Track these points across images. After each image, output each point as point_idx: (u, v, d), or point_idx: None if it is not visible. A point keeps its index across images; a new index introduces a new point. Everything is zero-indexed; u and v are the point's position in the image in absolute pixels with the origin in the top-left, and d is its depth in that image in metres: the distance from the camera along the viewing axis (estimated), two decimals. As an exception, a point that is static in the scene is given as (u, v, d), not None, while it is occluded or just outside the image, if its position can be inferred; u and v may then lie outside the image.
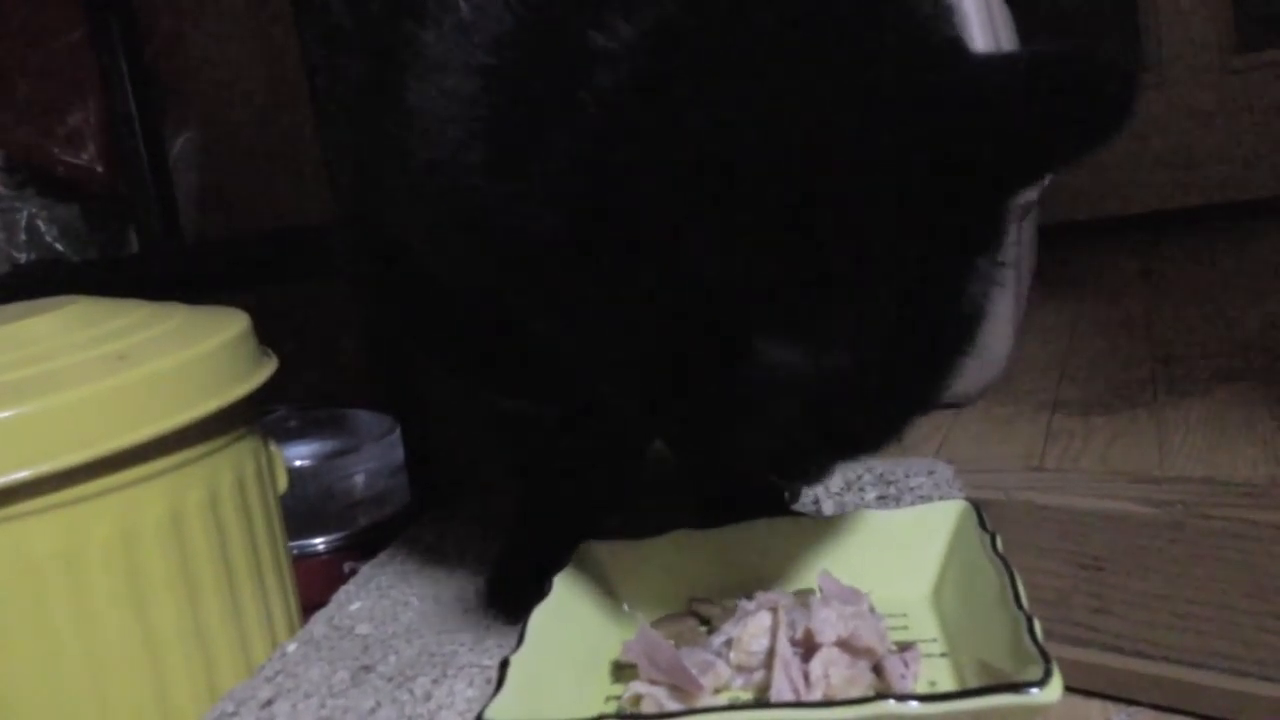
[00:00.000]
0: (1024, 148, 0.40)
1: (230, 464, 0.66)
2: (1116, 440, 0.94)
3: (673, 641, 0.52)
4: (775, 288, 0.41)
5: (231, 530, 0.66)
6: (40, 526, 0.57)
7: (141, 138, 1.16)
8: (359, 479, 1.01)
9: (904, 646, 0.50)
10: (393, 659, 0.63)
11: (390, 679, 0.61)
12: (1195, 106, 2.32)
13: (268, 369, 0.69)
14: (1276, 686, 0.49)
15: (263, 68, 1.24)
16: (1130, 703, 0.52)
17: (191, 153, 1.29)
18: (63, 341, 0.62)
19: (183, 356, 0.62)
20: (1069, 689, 0.53)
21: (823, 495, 0.79)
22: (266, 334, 0.74)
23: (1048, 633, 0.55)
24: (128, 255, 1.27)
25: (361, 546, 0.90)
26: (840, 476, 0.82)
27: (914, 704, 0.39)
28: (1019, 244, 1.10)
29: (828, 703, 0.42)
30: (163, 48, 1.26)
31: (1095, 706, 0.53)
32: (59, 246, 1.24)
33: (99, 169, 1.26)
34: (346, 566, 0.87)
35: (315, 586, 0.79)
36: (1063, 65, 0.39)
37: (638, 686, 0.48)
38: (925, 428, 1.07)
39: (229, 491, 0.66)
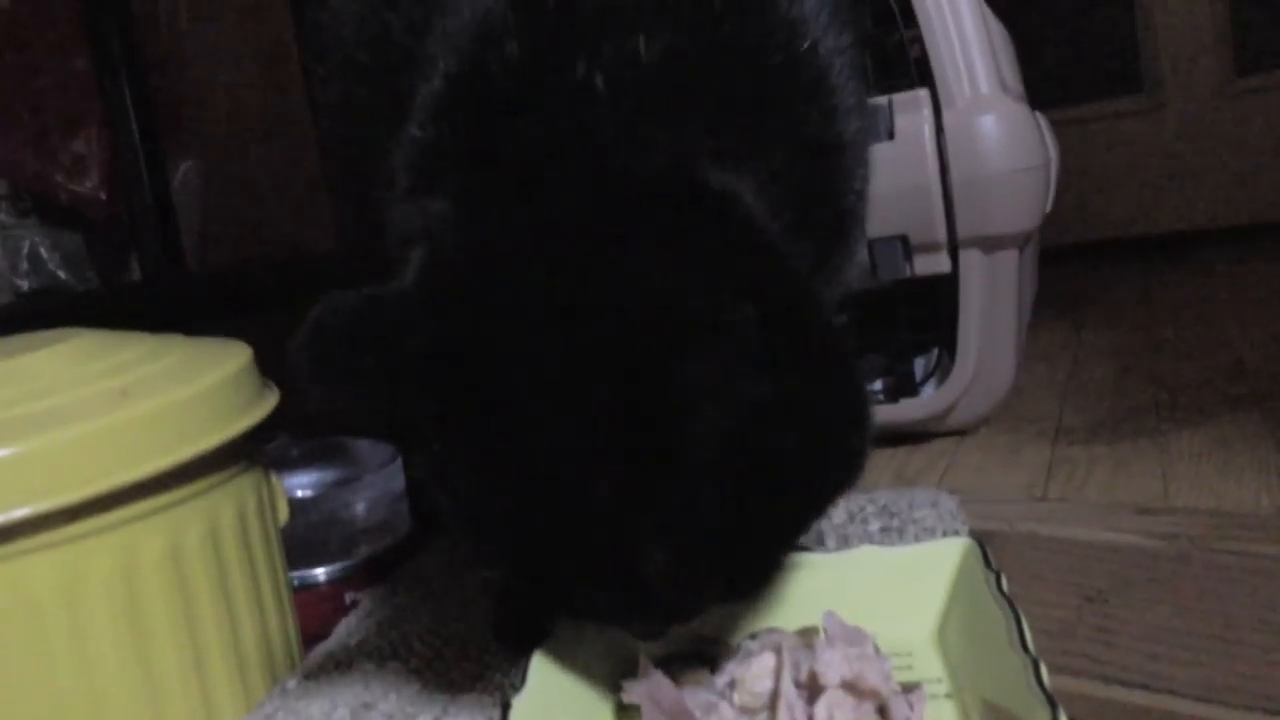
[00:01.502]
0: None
1: (232, 498, 0.66)
2: (1120, 469, 0.94)
3: (676, 682, 0.51)
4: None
5: (232, 564, 0.65)
6: (40, 563, 0.56)
7: (144, 165, 1.16)
8: (360, 508, 1.01)
9: (909, 688, 0.49)
10: (394, 696, 0.63)
11: (390, 716, 0.60)
12: (1195, 130, 2.33)
13: (269, 403, 0.69)
14: (1283, 720, 0.49)
15: (266, 96, 1.24)
16: (1135, 736, 0.52)
17: (194, 181, 1.29)
18: (63, 377, 0.62)
19: (184, 392, 0.62)
20: (1073, 722, 0.54)
21: (825, 528, 0.78)
22: (269, 362, 0.74)
23: (1053, 665, 0.55)
24: (130, 283, 1.27)
25: (363, 576, 0.89)
26: (843, 508, 0.82)
27: (920, 750, 0.38)
28: (1020, 271, 1.10)
29: (832, 747, 0.42)
30: (166, 76, 1.27)
31: (1099, 740, 0.52)
32: (61, 274, 1.24)
33: (102, 197, 1.26)
34: (348, 597, 0.86)
35: (316, 617, 0.79)
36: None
37: (640, 728, 0.48)
38: (928, 457, 1.07)
39: (230, 526, 0.66)
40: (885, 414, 1.09)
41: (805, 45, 0.50)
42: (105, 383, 0.61)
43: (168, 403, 0.61)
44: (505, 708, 0.47)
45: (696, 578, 0.45)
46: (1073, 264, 2.20)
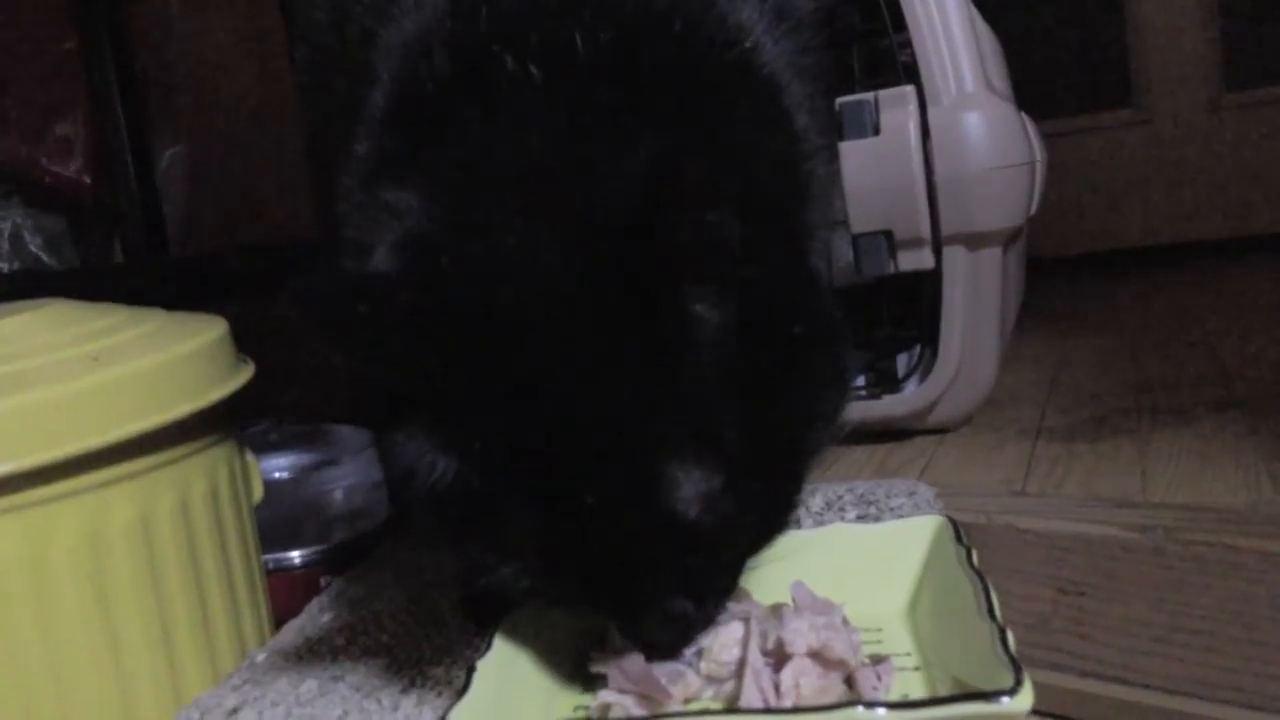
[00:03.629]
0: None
1: (203, 470, 0.66)
2: (1099, 467, 0.94)
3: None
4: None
5: (202, 538, 0.65)
6: (4, 527, 0.56)
7: (129, 150, 1.16)
8: (338, 493, 1.00)
9: (877, 660, 0.49)
10: (362, 669, 0.62)
11: (359, 689, 0.60)
12: (1183, 143, 2.34)
13: (244, 375, 0.69)
14: (1258, 714, 0.49)
15: (253, 82, 1.24)
16: (1110, 729, 0.52)
17: (180, 165, 1.28)
18: (35, 342, 0.62)
19: (156, 359, 0.61)
20: (1049, 715, 0.53)
21: (803, 514, 0.78)
22: (251, 349, 0.73)
23: (1028, 658, 0.54)
24: (112, 266, 1.27)
25: (339, 561, 0.88)
26: (821, 496, 0.82)
27: (882, 711, 0.38)
28: (1005, 270, 1.10)
29: (795, 710, 0.41)
30: (153, 61, 1.27)
31: (1074, 733, 0.52)
32: (44, 257, 1.24)
33: (86, 180, 1.25)
34: (323, 581, 0.86)
35: (291, 600, 0.78)
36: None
37: (606, 695, 0.48)
38: (909, 453, 1.06)
39: (201, 498, 0.65)
40: (867, 410, 1.09)
41: (746, 46, 0.51)
42: (77, 348, 0.61)
43: (139, 369, 0.60)
44: (470, 671, 0.46)
45: (726, 507, 0.44)
46: (1060, 275, 2.20)
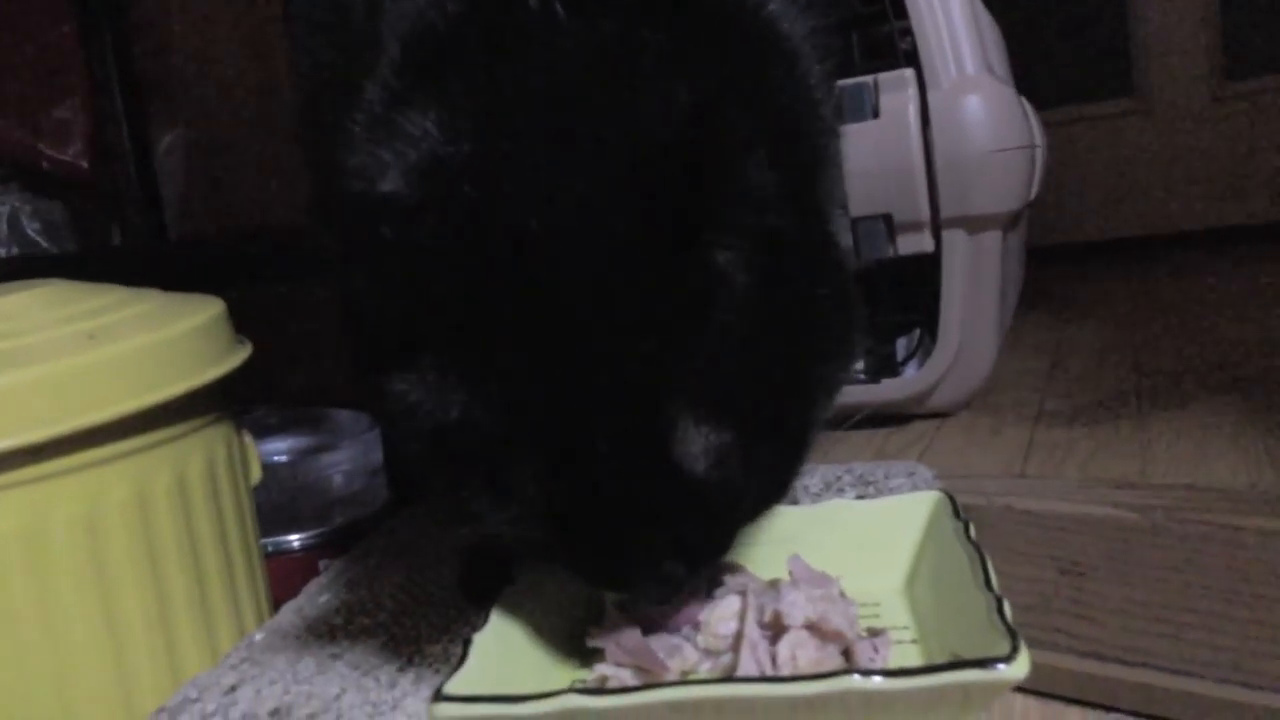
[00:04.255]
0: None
1: (200, 449, 0.66)
2: (1099, 450, 0.94)
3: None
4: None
5: (199, 516, 0.65)
6: (1, 504, 0.56)
7: (128, 134, 1.15)
8: (337, 477, 1.00)
9: (875, 632, 0.49)
10: (360, 648, 0.62)
11: (356, 667, 0.60)
12: (1183, 133, 2.34)
13: (241, 355, 0.69)
14: (1258, 693, 0.49)
15: (252, 65, 1.24)
16: (1110, 709, 0.52)
17: (179, 149, 1.28)
18: (32, 320, 0.62)
19: (153, 338, 0.61)
20: (1050, 695, 0.53)
21: (801, 495, 0.78)
22: (250, 333, 0.73)
23: (1029, 639, 0.54)
24: (110, 249, 1.26)
25: (338, 544, 0.88)
26: (819, 477, 0.82)
27: (877, 679, 0.38)
28: (1005, 254, 1.10)
29: (790, 678, 0.41)
30: (152, 45, 1.26)
31: (1075, 713, 0.52)
32: (42, 241, 1.23)
33: (84, 164, 1.25)
34: (322, 564, 0.86)
35: (290, 583, 0.78)
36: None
37: (603, 668, 0.48)
38: (908, 437, 1.06)
39: (198, 477, 0.65)
40: (866, 394, 1.09)
41: (772, 9, 0.51)
42: (73, 326, 0.61)
43: (135, 347, 0.60)
44: (466, 644, 0.46)
45: (733, 466, 0.44)
46: (1060, 263, 2.20)
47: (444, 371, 0.43)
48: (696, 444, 0.42)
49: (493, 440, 0.43)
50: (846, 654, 0.47)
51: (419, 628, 0.64)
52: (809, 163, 0.52)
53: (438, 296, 0.42)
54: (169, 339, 0.62)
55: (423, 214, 0.41)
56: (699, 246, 0.41)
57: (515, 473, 0.43)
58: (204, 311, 0.67)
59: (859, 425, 1.11)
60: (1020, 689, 0.53)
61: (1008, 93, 1.07)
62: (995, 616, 0.42)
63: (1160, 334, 1.46)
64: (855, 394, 1.09)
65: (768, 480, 0.47)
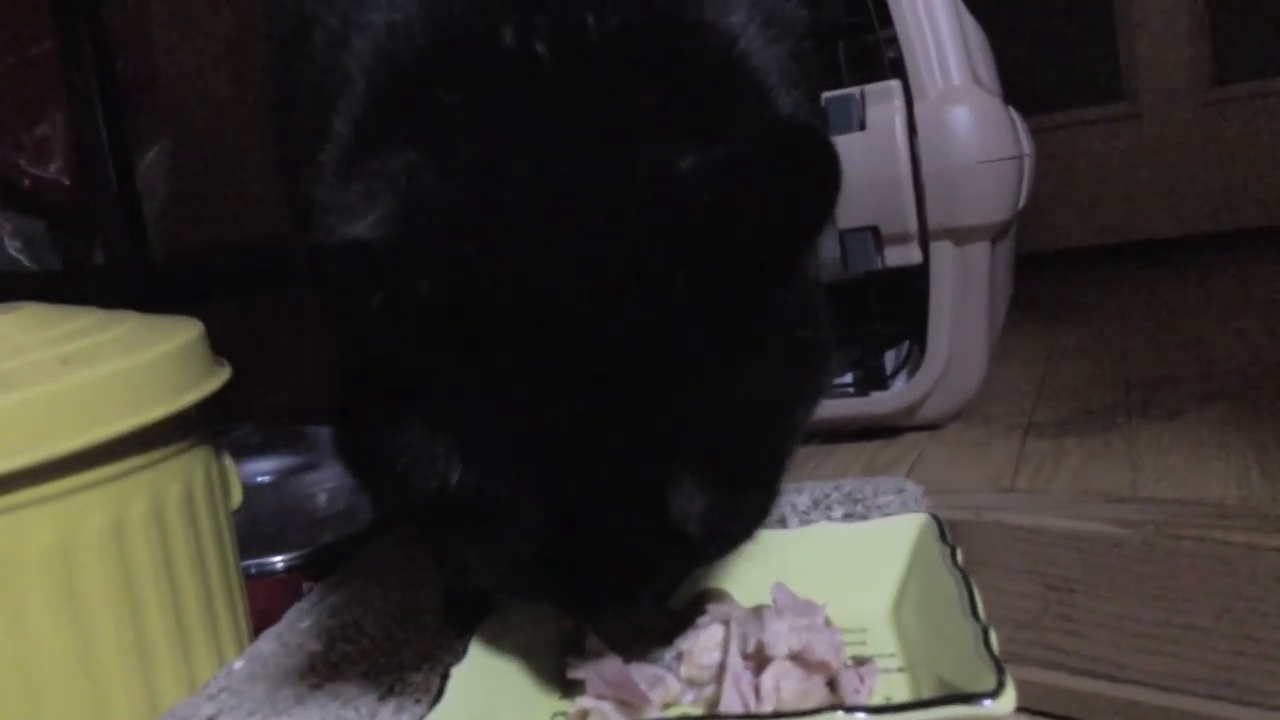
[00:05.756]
0: (750, 243, 0.40)
1: (177, 475, 0.65)
2: (1089, 462, 0.93)
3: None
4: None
5: (177, 543, 0.64)
6: (-26, 534, 0.55)
7: (109, 150, 1.14)
8: (321, 497, 0.99)
9: (860, 661, 0.48)
10: (340, 676, 0.61)
11: (337, 696, 0.59)
12: (1172, 138, 2.34)
13: (219, 379, 0.68)
14: (1249, 710, 0.48)
15: (234, 83, 1.23)
16: (1101, 727, 0.51)
17: (161, 167, 1.27)
18: (5, 346, 0.60)
19: (127, 362, 0.60)
20: (1039, 713, 0.52)
21: (789, 513, 0.77)
22: (234, 349, 0.72)
23: (1018, 655, 0.54)
24: (92, 268, 1.25)
25: (322, 565, 0.87)
26: (808, 494, 0.81)
27: (861, 715, 0.37)
28: (993, 264, 1.10)
29: (775, 715, 0.41)
30: (134, 61, 1.25)
31: (1064, 730, 0.51)
32: (23, 259, 1.22)
33: (66, 182, 1.24)
34: (306, 585, 0.85)
35: (274, 605, 0.77)
36: (757, 160, 0.39)
37: (584, 701, 0.47)
38: (897, 450, 1.06)
39: (175, 503, 0.64)
40: (855, 407, 1.09)
41: (741, 48, 0.50)
42: (47, 351, 0.60)
43: (109, 373, 0.59)
44: (444, 678, 0.45)
45: (720, 521, 0.44)
46: (1051, 269, 2.20)
47: (436, 434, 0.42)
48: (693, 507, 0.42)
49: (488, 503, 0.42)
50: (832, 684, 0.47)
51: (401, 655, 0.63)
52: None
53: (431, 361, 0.41)
54: (144, 364, 0.61)
55: (409, 267, 0.39)
56: (698, 316, 0.40)
57: (511, 535, 0.43)
58: (181, 335, 0.66)
59: (849, 438, 1.10)
60: None
61: (994, 103, 1.07)
62: (981, 648, 0.41)
63: (1151, 342, 1.45)
64: (845, 407, 1.09)
65: (748, 525, 0.47)
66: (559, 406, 0.40)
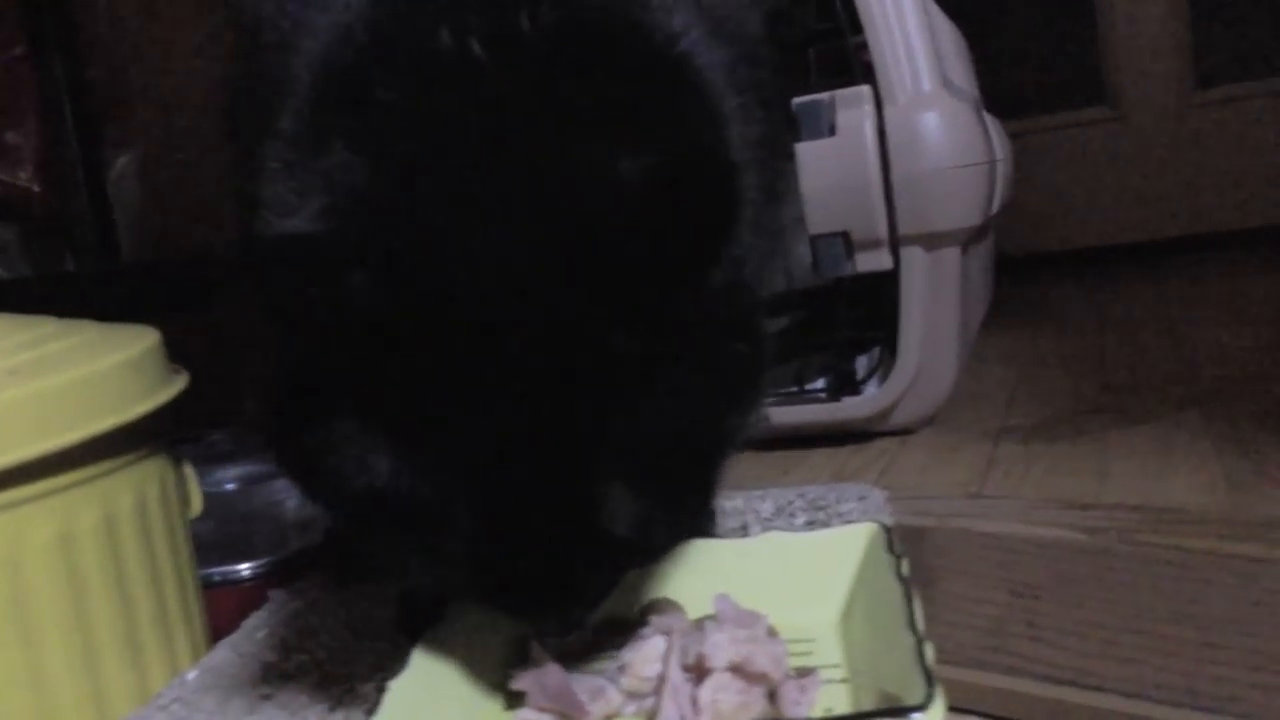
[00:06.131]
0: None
1: (130, 485, 0.64)
2: (1057, 468, 0.93)
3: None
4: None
5: (129, 554, 0.63)
6: (-82, 547, 0.55)
7: (80, 157, 1.14)
8: (289, 504, 0.99)
9: (804, 672, 0.48)
10: (293, 686, 0.61)
11: (286, 707, 0.59)
12: (1153, 142, 2.34)
13: (174, 388, 0.67)
14: (1209, 715, 0.48)
15: (206, 89, 1.23)
16: (1065, 733, 0.51)
17: (133, 173, 1.27)
18: (-47, 356, 0.60)
19: (78, 373, 0.60)
20: (1003, 719, 0.52)
21: (752, 520, 0.77)
22: (204, 357, 0.72)
23: (983, 662, 0.54)
24: (62, 274, 1.25)
25: (289, 573, 0.87)
26: (772, 501, 0.81)
27: (790, 729, 0.37)
28: (966, 270, 1.10)
29: (706, 727, 0.40)
30: (105, 68, 1.25)
31: (1029, 738, 0.51)
32: (-7, 267, 1.22)
33: (36, 189, 1.23)
34: (271, 594, 0.84)
35: (240, 614, 0.77)
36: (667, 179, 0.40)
37: (524, 713, 0.47)
38: (868, 456, 1.06)
39: (128, 514, 0.64)
40: (827, 413, 1.08)
41: (683, 49, 0.49)
42: (-3, 362, 0.59)
43: (58, 384, 0.59)
44: (381, 691, 0.45)
45: (653, 527, 0.44)
46: (1030, 273, 2.20)
47: (367, 431, 0.42)
48: (623, 509, 0.42)
49: (419, 503, 0.42)
50: (773, 696, 0.46)
51: (354, 665, 0.63)
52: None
53: (363, 351, 0.41)
54: (94, 374, 0.61)
55: (342, 259, 0.39)
56: (636, 320, 0.41)
57: (442, 536, 0.43)
58: (135, 344, 0.66)
59: (820, 443, 1.10)
60: (974, 712, 0.53)
61: (965, 108, 1.07)
62: (916, 660, 0.41)
63: (1128, 347, 1.45)
64: (817, 413, 1.09)
65: (679, 531, 0.48)
66: (486, 404, 0.41)
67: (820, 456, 1.07)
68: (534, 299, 0.40)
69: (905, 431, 1.11)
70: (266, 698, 0.60)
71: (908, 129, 1.01)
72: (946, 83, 1.06)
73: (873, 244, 1.02)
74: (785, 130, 1.01)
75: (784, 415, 1.09)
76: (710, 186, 0.39)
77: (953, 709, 0.52)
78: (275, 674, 0.63)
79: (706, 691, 0.45)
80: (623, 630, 0.54)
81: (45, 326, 0.66)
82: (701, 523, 0.49)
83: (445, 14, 0.44)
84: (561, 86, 0.43)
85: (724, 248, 0.41)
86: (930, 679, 0.39)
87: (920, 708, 0.38)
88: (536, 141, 0.42)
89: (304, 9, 0.51)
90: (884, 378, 1.08)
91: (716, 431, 0.46)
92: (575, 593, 0.45)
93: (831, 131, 1.02)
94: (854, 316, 1.09)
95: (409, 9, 0.46)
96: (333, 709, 0.58)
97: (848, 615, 0.55)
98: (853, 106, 1.02)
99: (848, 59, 1.04)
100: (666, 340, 0.42)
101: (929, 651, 0.42)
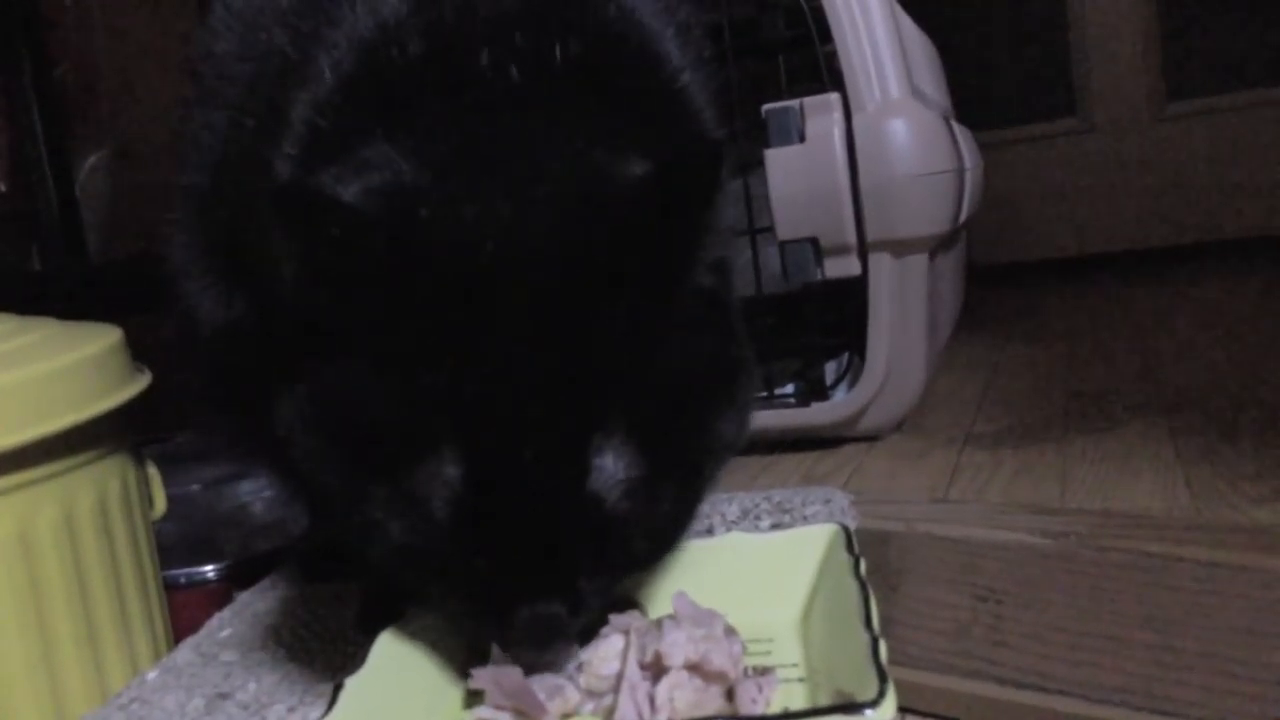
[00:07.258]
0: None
1: (90, 484, 0.64)
2: (1022, 473, 0.94)
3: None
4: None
5: (89, 553, 0.63)
6: (-128, 544, 0.54)
7: (48, 157, 1.13)
8: (257, 504, 0.98)
9: (761, 671, 0.48)
10: (252, 686, 0.61)
11: (246, 706, 0.58)
12: (1124, 153, 2.36)
13: (135, 386, 0.67)
14: (1169, 720, 0.48)
15: (175, 89, 1.22)
16: (1025, 736, 0.51)
17: (102, 172, 1.26)
18: (-90, 353, 0.60)
19: (35, 370, 0.60)
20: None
21: (718, 523, 0.77)
22: (170, 360, 0.71)
23: (947, 665, 0.54)
24: (29, 272, 1.24)
25: (255, 574, 0.87)
26: (738, 505, 0.81)
27: (743, 725, 0.37)
28: (934, 277, 1.10)
29: (662, 723, 0.41)
30: (74, 66, 1.24)
31: (992, 742, 0.51)
32: (-42, 266, 1.21)
33: (3, 188, 1.22)
34: (237, 595, 0.84)
35: (206, 614, 0.76)
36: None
37: (481, 711, 0.47)
38: (837, 460, 1.06)
39: (88, 512, 0.63)
40: (796, 418, 1.09)
41: (685, 78, 0.55)
42: (-46, 359, 0.59)
43: (17, 380, 0.59)
44: (337, 688, 0.45)
45: (640, 500, 0.45)
46: (1001, 282, 2.22)
47: (366, 370, 0.45)
48: (612, 473, 0.44)
49: (409, 453, 0.44)
50: (730, 694, 0.47)
51: (314, 664, 0.63)
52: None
53: (373, 305, 0.44)
54: (53, 371, 0.60)
55: (378, 229, 0.43)
56: (635, 301, 0.44)
57: (424, 471, 0.44)
58: (96, 342, 0.65)
59: (789, 448, 1.11)
60: (938, 716, 0.53)
61: (933, 116, 1.08)
62: (871, 658, 0.42)
63: (1097, 355, 1.47)
64: (785, 418, 1.09)
65: (665, 521, 0.48)
66: (491, 355, 0.43)
67: (789, 461, 1.07)
68: (553, 271, 0.44)
69: (873, 437, 1.12)
70: (225, 697, 0.60)
71: (876, 136, 1.02)
72: (915, 91, 1.07)
73: (841, 250, 1.03)
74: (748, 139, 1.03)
75: (753, 420, 1.09)
76: (704, 170, 0.44)
77: (916, 712, 0.53)
78: (237, 673, 0.63)
79: (663, 689, 0.45)
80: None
81: (5, 324, 0.66)
82: (691, 518, 0.51)
83: (487, 37, 0.50)
84: (582, 104, 0.49)
85: (711, 222, 0.46)
86: (883, 676, 0.40)
87: (872, 704, 0.38)
88: (557, 147, 0.47)
89: (321, 14, 0.54)
90: (853, 383, 1.08)
91: (709, 423, 0.49)
92: (559, 572, 0.45)
93: (801, 138, 1.03)
94: (823, 322, 1.09)
95: (454, 29, 0.51)
96: (292, 709, 0.57)
97: (807, 615, 0.55)
98: (822, 114, 1.03)
99: (820, 66, 1.05)
100: (663, 319, 0.46)
101: (883, 650, 0.43)
